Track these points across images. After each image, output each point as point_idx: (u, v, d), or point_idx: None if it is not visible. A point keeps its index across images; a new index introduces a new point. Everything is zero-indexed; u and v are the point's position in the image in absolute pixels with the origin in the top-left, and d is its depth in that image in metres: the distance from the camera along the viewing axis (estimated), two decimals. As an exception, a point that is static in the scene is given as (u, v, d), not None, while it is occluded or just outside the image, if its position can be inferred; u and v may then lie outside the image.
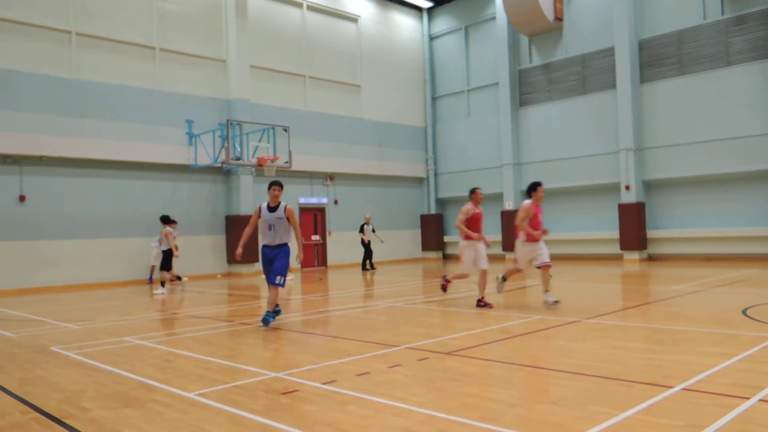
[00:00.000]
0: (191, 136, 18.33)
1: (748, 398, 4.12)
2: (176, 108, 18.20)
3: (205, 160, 18.25)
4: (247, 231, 8.09)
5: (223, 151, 17.18)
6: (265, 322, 8.06)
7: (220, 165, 18.03)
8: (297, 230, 8.23)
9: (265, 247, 8.15)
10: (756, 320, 7.34)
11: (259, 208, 8.01)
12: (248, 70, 19.77)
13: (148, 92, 17.68)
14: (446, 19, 25.95)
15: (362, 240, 20.11)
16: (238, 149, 17.68)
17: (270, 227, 7.96)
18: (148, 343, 7.30)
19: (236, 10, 19.37)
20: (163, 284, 14.18)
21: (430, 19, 26.48)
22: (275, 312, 8.27)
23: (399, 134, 25.00)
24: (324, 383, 4.97)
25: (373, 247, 20.44)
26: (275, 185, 8.03)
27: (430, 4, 25.80)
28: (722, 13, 18.35)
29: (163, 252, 14.48)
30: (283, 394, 4.71)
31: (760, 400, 4.09)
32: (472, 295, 11.50)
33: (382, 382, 4.95)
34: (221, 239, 19.20)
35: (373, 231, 20.37)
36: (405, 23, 25.76)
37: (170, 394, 4.86)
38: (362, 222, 20.61)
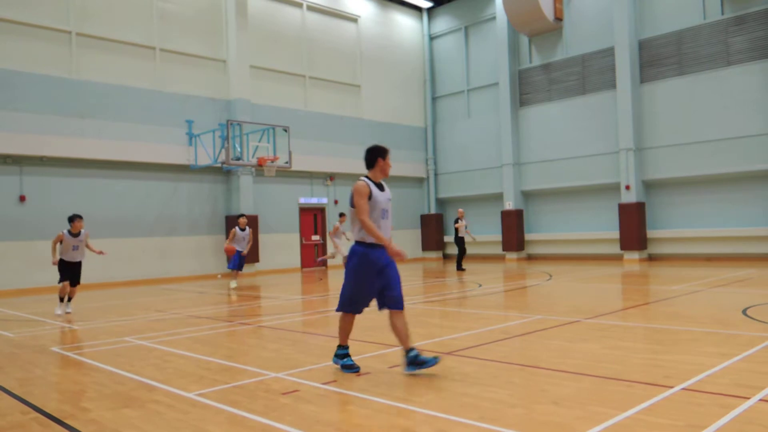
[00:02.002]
0: (191, 136, 18.33)
1: (748, 398, 4.12)
2: (176, 108, 18.20)
3: (205, 160, 18.25)
4: (367, 221, 5.11)
5: (223, 151, 17.19)
6: (417, 363, 5.16)
7: (220, 165, 18.03)
8: None
9: (371, 248, 5.22)
10: (756, 320, 7.35)
11: (368, 186, 5.19)
12: (248, 71, 19.77)
13: (148, 92, 17.68)
14: (446, 19, 25.95)
15: (456, 235, 18.13)
16: (238, 149, 17.69)
17: (384, 214, 5.28)
18: (148, 344, 7.30)
19: (236, 10, 19.37)
20: (62, 300, 10.69)
21: (430, 19, 26.48)
22: (414, 356, 5.16)
23: (399, 134, 25.00)
24: (324, 383, 4.97)
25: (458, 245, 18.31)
26: (387, 151, 5.47)
27: (430, 4, 25.80)
28: (722, 13, 18.34)
29: (72, 263, 10.56)
30: (284, 394, 4.71)
31: (761, 399, 4.09)
32: (472, 294, 11.51)
33: (382, 382, 4.95)
34: (221, 239, 19.19)
35: (466, 228, 18.40)
36: (405, 23, 25.76)
37: (170, 394, 4.86)
38: (455, 216, 18.95)
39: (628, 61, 19.77)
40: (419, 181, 26.07)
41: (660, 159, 19.55)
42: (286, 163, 18.21)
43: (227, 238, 15.42)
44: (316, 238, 22.14)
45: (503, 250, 23.14)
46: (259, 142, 18.13)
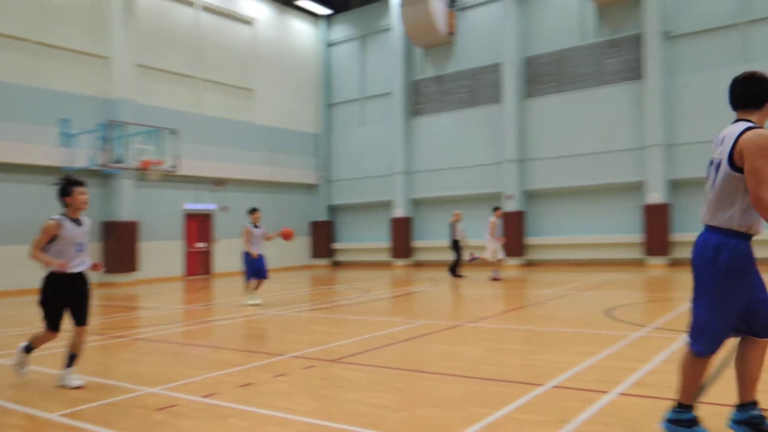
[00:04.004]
0: (68, 136, 17.03)
1: (608, 392, 4.44)
2: (52, 106, 16.82)
3: (82, 162, 17.03)
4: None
5: (103, 153, 16.13)
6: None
7: (98, 168, 16.90)
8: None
9: (748, 241, 3.31)
10: (617, 320, 7.96)
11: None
12: (134, 69, 18.73)
13: (20, 88, 16.23)
14: (343, 28, 26.10)
15: (454, 241, 16.39)
16: (120, 152, 16.67)
17: None
18: (3, 361, 6.66)
19: (123, 4, 18.30)
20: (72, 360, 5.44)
21: (327, 26, 26.51)
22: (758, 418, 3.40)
23: (292, 140, 24.75)
24: (204, 396, 4.78)
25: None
26: None
27: (327, 12, 25.81)
28: (597, 37, 19.87)
29: (69, 279, 5.46)
30: (158, 410, 4.46)
31: (620, 393, 4.42)
32: (359, 301, 11.58)
33: (266, 393, 4.84)
34: (97, 247, 17.97)
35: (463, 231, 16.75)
36: (302, 29, 25.60)
37: (32, 417, 4.46)
38: (450, 219, 17.02)
39: (514, 76, 20.90)
40: (311, 187, 25.93)
41: (540, 170, 20.78)
42: (173, 166, 17.42)
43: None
44: (202, 245, 21.33)
45: (392, 257, 23.54)
46: (144, 144, 17.19)
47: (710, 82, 17.58)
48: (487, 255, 15.37)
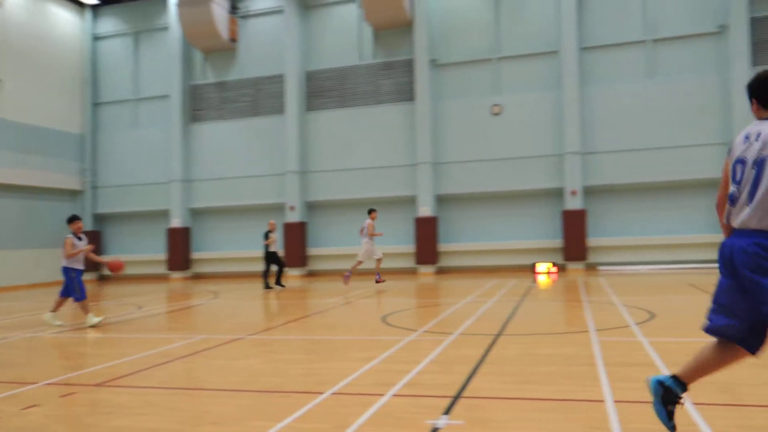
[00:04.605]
0: None
1: (384, 395, 4.71)
2: None
3: None
4: None
5: None
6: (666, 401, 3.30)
7: None
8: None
9: None
10: (392, 326, 8.49)
11: None
12: None
13: None
14: (114, 21, 24.03)
15: (267, 250, 15.78)
16: None
17: None
18: None
19: None
20: None
21: (94, 17, 24.15)
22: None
23: (50, 140, 22.02)
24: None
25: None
26: None
27: (94, 1, 23.52)
28: (374, 58, 21.12)
29: None
30: None
31: (394, 395, 4.71)
32: (131, 317, 10.73)
33: (12, 428, 4.20)
34: None
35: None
36: (63, 17, 22.96)
37: None
38: (266, 229, 16.06)
39: (297, 89, 21.23)
40: (73, 194, 23.31)
41: (321, 182, 21.38)
42: None
43: (65, 253, 9.40)
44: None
45: (168, 269, 22.21)
46: None
47: (468, 108, 19.88)
48: (360, 256, 15.49)
